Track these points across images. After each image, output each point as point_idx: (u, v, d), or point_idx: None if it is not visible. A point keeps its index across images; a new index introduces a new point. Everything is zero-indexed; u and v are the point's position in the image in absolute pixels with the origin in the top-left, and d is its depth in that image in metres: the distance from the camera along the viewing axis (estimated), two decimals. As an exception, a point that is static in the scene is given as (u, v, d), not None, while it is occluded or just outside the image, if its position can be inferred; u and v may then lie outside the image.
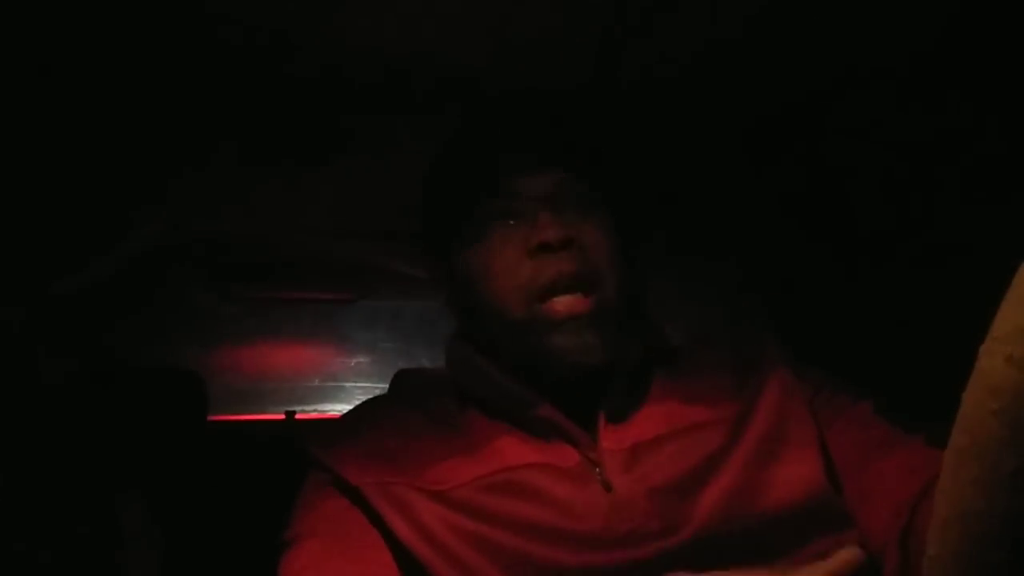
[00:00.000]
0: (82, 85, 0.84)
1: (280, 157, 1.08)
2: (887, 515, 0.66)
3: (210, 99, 0.90)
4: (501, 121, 0.86)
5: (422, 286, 1.69)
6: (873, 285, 1.04)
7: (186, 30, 0.75)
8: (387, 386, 0.95)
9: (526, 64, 0.84)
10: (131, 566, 1.12)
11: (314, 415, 2.22)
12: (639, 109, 0.96)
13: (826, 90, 0.93)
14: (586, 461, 0.73)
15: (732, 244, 1.28)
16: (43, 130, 0.93)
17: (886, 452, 0.70)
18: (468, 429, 0.77)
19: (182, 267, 1.70)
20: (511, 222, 0.77)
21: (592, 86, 0.89)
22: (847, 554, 0.56)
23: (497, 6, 0.73)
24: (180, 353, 2.05)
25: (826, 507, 0.69)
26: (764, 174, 1.13)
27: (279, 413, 2.14)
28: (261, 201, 1.26)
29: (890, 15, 0.76)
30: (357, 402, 0.87)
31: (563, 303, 0.74)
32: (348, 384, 2.35)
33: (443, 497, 0.70)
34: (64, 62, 0.79)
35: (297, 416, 2.10)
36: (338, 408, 2.29)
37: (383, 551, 0.69)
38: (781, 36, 0.81)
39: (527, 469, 0.71)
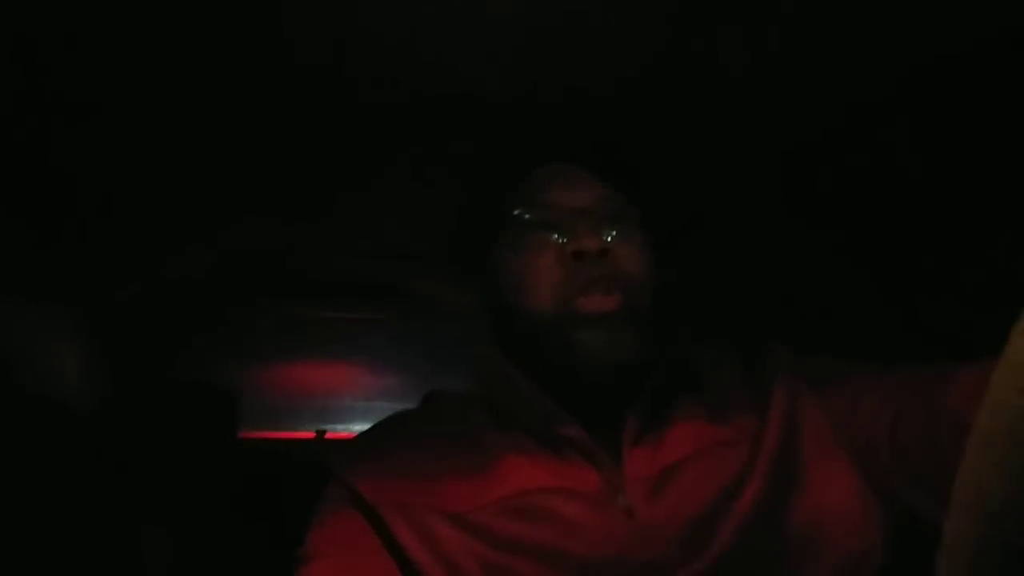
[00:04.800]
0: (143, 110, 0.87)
1: (319, 178, 1.10)
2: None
3: (253, 124, 0.92)
4: (543, 133, 0.88)
5: (456, 309, 1.70)
6: (915, 311, 1.02)
7: (231, 57, 0.77)
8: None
9: (570, 87, 0.85)
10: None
11: (344, 434, 2.22)
12: (678, 128, 0.96)
13: (863, 116, 0.92)
14: (607, 485, 0.72)
15: (765, 268, 1.27)
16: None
17: (870, 384, 0.74)
18: (489, 448, 0.77)
19: (217, 283, 1.71)
20: (549, 232, 0.79)
21: (633, 100, 0.89)
22: None
23: (547, 33, 0.74)
24: (213, 368, 2.07)
25: (847, 528, 0.68)
26: (799, 199, 1.12)
27: (310, 431, 2.15)
28: (301, 221, 1.28)
29: (925, 35, 0.76)
30: (388, 423, 0.87)
31: (593, 301, 0.75)
32: (379, 404, 2.35)
33: (461, 520, 0.69)
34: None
35: (327, 435, 2.11)
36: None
37: (394, 573, 0.68)
38: (818, 61, 0.80)
39: (546, 493, 0.71)
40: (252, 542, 1.25)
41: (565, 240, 0.78)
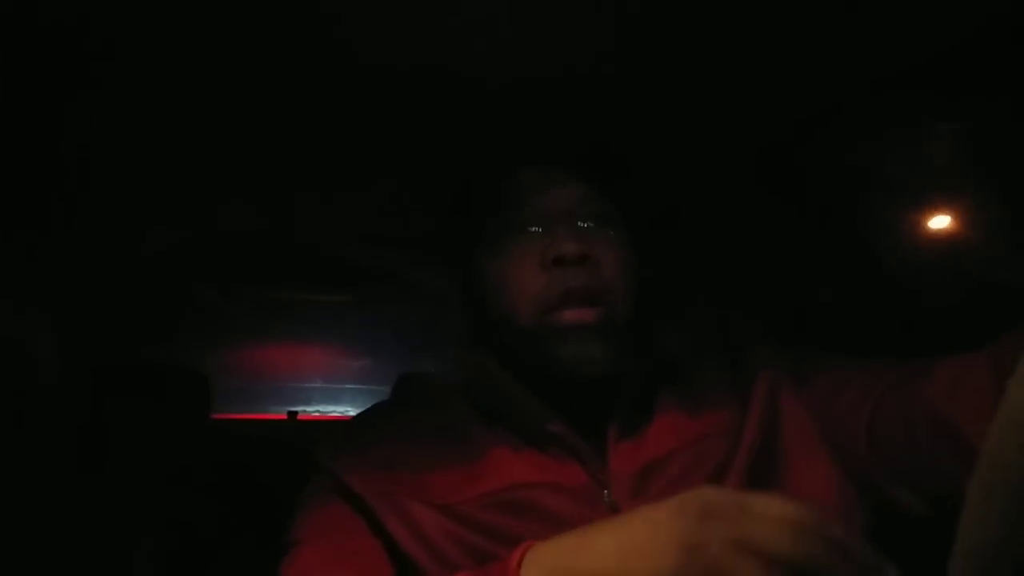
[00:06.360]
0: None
1: (296, 162, 1.10)
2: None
3: (234, 111, 0.92)
4: (526, 135, 0.87)
5: (426, 291, 1.71)
6: (896, 307, 1.03)
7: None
8: (387, 389, 0.95)
9: (547, 76, 0.86)
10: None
11: (316, 416, 2.24)
12: (656, 126, 0.97)
13: (836, 105, 0.93)
14: (594, 481, 0.73)
15: (746, 259, 1.28)
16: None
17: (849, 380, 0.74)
18: (476, 442, 0.77)
19: (189, 266, 1.71)
20: (530, 234, 0.78)
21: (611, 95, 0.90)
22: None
23: (517, 21, 0.74)
24: (185, 351, 2.07)
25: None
26: (776, 191, 1.14)
27: (281, 413, 2.17)
28: (274, 203, 1.28)
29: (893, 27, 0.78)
30: (358, 404, 0.88)
31: (571, 314, 0.75)
32: (350, 386, 2.36)
33: (448, 510, 0.70)
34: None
35: (299, 416, 2.13)
36: (339, 409, 2.30)
37: (383, 560, 0.69)
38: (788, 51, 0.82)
39: (533, 488, 0.71)
40: (229, 524, 1.26)
41: (545, 244, 0.77)
